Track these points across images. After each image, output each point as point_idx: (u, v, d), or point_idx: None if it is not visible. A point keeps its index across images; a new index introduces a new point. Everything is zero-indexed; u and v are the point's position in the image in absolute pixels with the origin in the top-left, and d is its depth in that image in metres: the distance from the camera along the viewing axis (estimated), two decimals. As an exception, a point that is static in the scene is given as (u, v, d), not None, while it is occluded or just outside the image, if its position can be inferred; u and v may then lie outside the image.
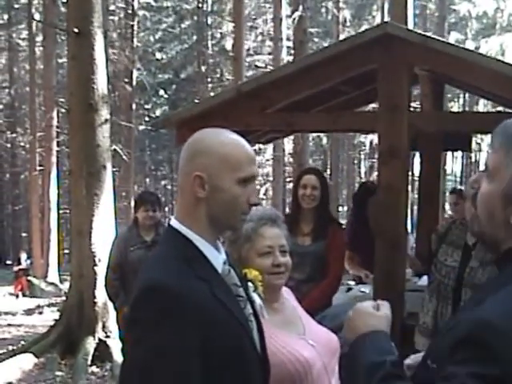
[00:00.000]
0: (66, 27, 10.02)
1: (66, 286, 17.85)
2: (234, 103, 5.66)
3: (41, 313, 16.68)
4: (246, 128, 5.87)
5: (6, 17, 34.96)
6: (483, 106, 31.41)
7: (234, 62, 20.98)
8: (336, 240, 5.35)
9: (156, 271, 1.97)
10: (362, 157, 43.99)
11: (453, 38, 32.16)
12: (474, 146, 20.80)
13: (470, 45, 29.38)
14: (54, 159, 24.73)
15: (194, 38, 35.44)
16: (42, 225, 25.91)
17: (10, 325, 14.46)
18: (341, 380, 2.72)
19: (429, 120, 5.78)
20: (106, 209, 9.59)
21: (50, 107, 24.55)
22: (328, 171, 34.65)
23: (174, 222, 2.09)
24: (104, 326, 9.40)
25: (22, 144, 33.99)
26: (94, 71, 9.40)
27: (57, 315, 11.42)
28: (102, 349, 9.17)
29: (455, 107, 37.57)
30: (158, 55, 38.34)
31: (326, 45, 27.02)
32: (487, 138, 34.45)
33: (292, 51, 21.74)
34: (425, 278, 5.83)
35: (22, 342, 10.75)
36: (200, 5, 32.87)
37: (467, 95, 34.81)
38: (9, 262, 33.53)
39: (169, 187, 47.95)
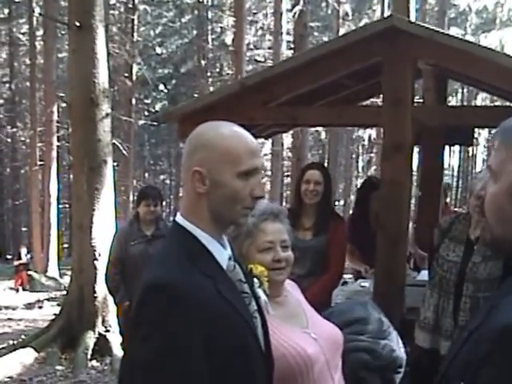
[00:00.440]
0: (67, 21, 9.96)
1: (65, 281, 17.88)
2: (236, 97, 5.63)
3: (41, 307, 16.69)
4: (249, 122, 5.85)
5: (6, 11, 34.86)
6: (481, 100, 31.39)
7: (234, 56, 20.99)
8: (337, 234, 5.35)
9: (160, 269, 1.95)
10: (361, 151, 44.02)
11: (453, 32, 32.03)
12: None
13: (469, 39, 29.26)
14: (54, 154, 24.72)
15: (194, 32, 35.40)
16: (42, 219, 25.92)
17: (10, 319, 14.45)
18: (344, 376, 2.70)
19: (432, 114, 5.76)
20: (106, 203, 9.57)
21: (50, 102, 24.53)
22: (326, 166, 34.54)
23: (179, 218, 2.07)
24: (104, 321, 9.40)
25: (23, 138, 34.04)
26: (95, 65, 9.37)
27: (57, 309, 11.42)
28: (102, 343, 9.18)
29: (453, 102, 37.52)
30: (158, 50, 38.33)
31: (326, 39, 27.07)
32: (484, 132, 34.50)
33: (292, 45, 21.71)
34: (424, 272, 5.83)
35: (23, 337, 10.74)
36: (200, -1, 32.85)
37: (465, 90, 34.85)
38: (9, 257, 33.56)
39: (167, 182, 48.00)
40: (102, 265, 8.25)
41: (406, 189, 5.39)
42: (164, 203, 7.65)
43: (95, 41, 9.35)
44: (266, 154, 28.88)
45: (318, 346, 2.60)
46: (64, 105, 23.03)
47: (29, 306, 17.00)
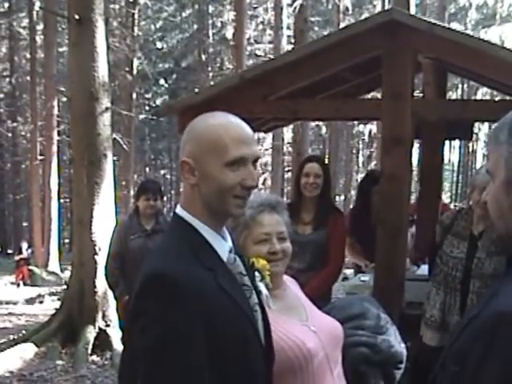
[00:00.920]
0: (67, 14, 9.94)
1: (66, 275, 17.88)
2: (237, 90, 5.62)
3: (41, 302, 16.73)
4: (249, 115, 5.83)
5: (6, 5, 34.81)
6: (481, 95, 31.37)
7: (234, 50, 20.95)
8: (337, 228, 5.35)
9: (160, 260, 1.95)
10: (361, 146, 44.01)
11: (453, 27, 32.00)
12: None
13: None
14: (54, 148, 24.75)
15: (195, 26, 35.40)
16: (43, 214, 25.96)
17: (11, 314, 14.47)
18: (344, 370, 2.69)
19: (431, 108, 5.74)
20: (106, 198, 9.56)
21: (50, 96, 24.53)
22: (327, 160, 34.65)
23: (179, 209, 2.07)
24: (104, 315, 9.40)
25: (23, 133, 34.04)
26: (95, 59, 9.34)
27: (58, 304, 11.42)
28: (103, 338, 9.17)
29: (454, 97, 37.49)
30: (159, 44, 38.35)
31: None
32: (485, 127, 34.49)
33: (292, 40, 21.67)
34: (424, 267, 5.82)
35: (23, 331, 10.74)
36: (201, -6, 32.83)
37: (465, 85, 34.83)
38: (10, 251, 33.60)
39: (168, 176, 48.01)
40: (102, 259, 8.24)
41: (406, 183, 5.38)
42: (165, 198, 7.64)
43: (95, 34, 9.32)
44: (266, 149, 28.94)
45: (317, 339, 2.59)
46: (64, 99, 23.04)
47: (30, 301, 17.04)
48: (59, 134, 26.08)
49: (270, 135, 24.56)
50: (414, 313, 5.13)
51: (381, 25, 5.11)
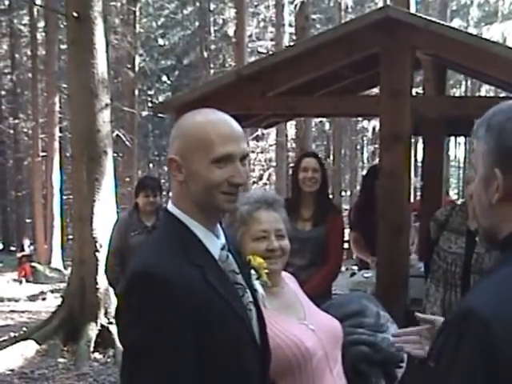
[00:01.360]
0: (65, 11, 9.95)
1: (69, 272, 17.86)
2: (234, 87, 5.61)
3: (44, 299, 16.71)
4: (247, 112, 5.84)
5: (7, 2, 34.78)
6: (485, 92, 31.35)
7: (235, 47, 20.93)
8: (336, 226, 5.36)
9: (148, 257, 1.95)
10: (365, 142, 43.94)
11: (455, 24, 32.00)
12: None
13: (471, 32, 29.31)
14: (56, 145, 24.73)
15: (197, 24, 35.35)
16: (45, 210, 25.96)
17: (13, 311, 14.47)
18: (344, 369, 2.68)
19: (431, 105, 5.74)
20: (106, 194, 9.57)
21: (52, 93, 24.52)
22: (331, 156, 34.67)
23: (170, 206, 2.06)
24: (106, 312, 9.40)
25: (25, 130, 34.00)
26: (94, 56, 9.36)
27: (60, 301, 11.41)
28: (105, 335, 9.17)
29: (457, 93, 37.49)
30: (161, 41, 38.32)
31: (328, 30, 26.92)
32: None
33: (294, 37, 21.67)
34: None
35: (25, 329, 10.74)
36: (202, -10, 32.78)
37: (469, 82, 34.80)
38: (13, 248, 33.60)
39: (172, 172, 47.84)
40: (103, 256, 8.24)
41: (406, 180, 5.37)
42: (170, 194, 7.61)
43: (94, 32, 9.34)
44: (270, 145, 28.95)
45: (316, 338, 2.58)
46: (66, 96, 23.02)
47: (32, 298, 17.04)
48: (61, 130, 26.07)
49: (273, 131, 24.53)
50: (419, 310, 5.12)
51: (377, 22, 5.11)
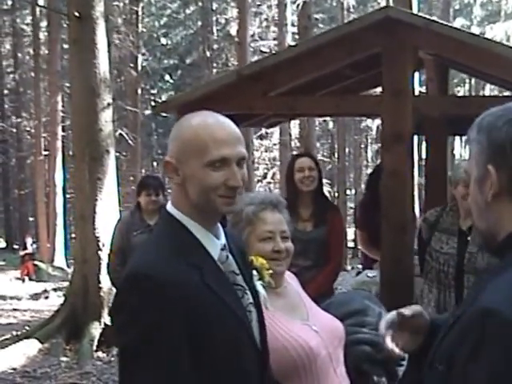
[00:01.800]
0: (67, 11, 9.98)
1: (72, 271, 17.86)
2: (235, 87, 5.61)
3: (47, 297, 16.71)
4: (248, 111, 5.84)
5: (9, 2, 34.81)
6: (489, 90, 31.31)
7: (238, 47, 20.93)
8: (336, 226, 5.37)
9: (144, 258, 1.95)
10: (369, 141, 43.90)
11: (458, 23, 31.96)
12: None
13: (475, 31, 29.27)
14: (59, 144, 24.78)
15: (199, 23, 35.33)
16: (48, 209, 25.98)
17: (15, 309, 14.49)
18: (346, 369, 2.68)
19: (433, 104, 5.74)
20: (109, 193, 9.58)
21: (54, 92, 24.58)
22: (335, 155, 34.69)
23: (169, 207, 2.06)
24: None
25: (28, 129, 34.00)
26: (96, 55, 9.39)
27: (63, 300, 11.42)
28: (108, 334, 9.13)
29: (461, 92, 37.42)
30: (163, 40, 38.32)
31: (330, 30, 26.90)
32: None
33: (297, 37, 21.65)
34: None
35: (27, 327, 10.74)
36: (204, -10, 32.77)
37: (473, 80, 34.73)
38: (15, 247, 33.64)
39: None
40: (105, 255, 8.25)
41: (408, 179, 5.37)
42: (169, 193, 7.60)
43: (95, 31, 9.37)
44: (274, 144, 28.96)
45: (319, 338, 2.58)
46: (68, 95, 23.05)
47: (35, 297, 17.04)
48: (64, 129, 26.09)
49: (277, 130, 24.54)
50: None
51: (378, 22, 5.12)
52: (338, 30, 5.66)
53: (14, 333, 10.35)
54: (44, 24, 27.28)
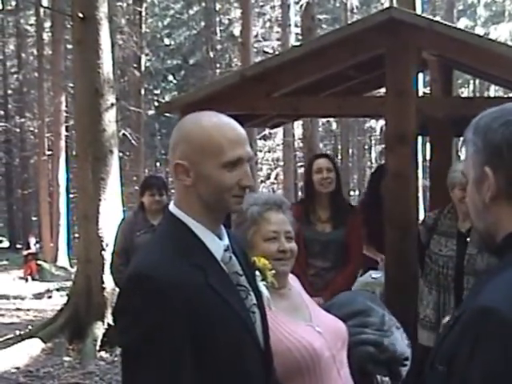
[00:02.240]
0: (71, 12, 10.00)
1: (75, 270, 17.89)
2: (239, 87, 5.60)
3: (50, 297, 16.74)
4: (251, 112, 5.83)
5: (13, 3, 34.89)
6: (494, 91, 31.26)
7: (241, 47, 20.94)
8: (355, 228, 5.35)
9: (147, 258, 1.95)
10: (373, 142, 43.88)
11: (462, 24, 31.94)
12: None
13: (479, 31, 29.27)
14: (62, 144, 24.83)
15: (202, 23, 35.37)
16: (52, 209, 26.03)
17: (18, 309, 14.50)
18: (350, 369, 2.68)
19: (437, 105, 5.73)
20: (112, 193, 9.59)
21: (58, 92, 24.63)
22: (339, 156, 34.69)
23: (172, 207, 2.05)
24: (113, 311, 9.37)
25: (31, 129, 34.11)
26: (100, 56, 9.41)
27: (66, 299, 11.43)
28: (112, 334, 9.14)
29: (466, 93, 37.38)
30: (167, 41, 38.35)
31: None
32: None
33: (300, 37, 21.66)
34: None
35: (30, 327, 10.75)
36: (208, -9, 32.79)
37: (477, 81, 34.71)
38: (19, 246, 33.70)
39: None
40: (109, 255, 8.26)
41: (412, 180, 5.36)
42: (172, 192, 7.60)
43: (99, 32, 9.39)
44: (278, 144, 28.97)
45: (323, 339, 2.58)
46: (72, 95, 23.08)
47: (38, 296, 17.07)
48: (67, 129, 26.14)
49: (280, 131, 24.54)
50: (417, 312, 5.10)
51: (381, 23, 5.11)
52: (342, 31, 5.66)
53: (17, 332, 10.36)
54: (48, 25, 27.37)
